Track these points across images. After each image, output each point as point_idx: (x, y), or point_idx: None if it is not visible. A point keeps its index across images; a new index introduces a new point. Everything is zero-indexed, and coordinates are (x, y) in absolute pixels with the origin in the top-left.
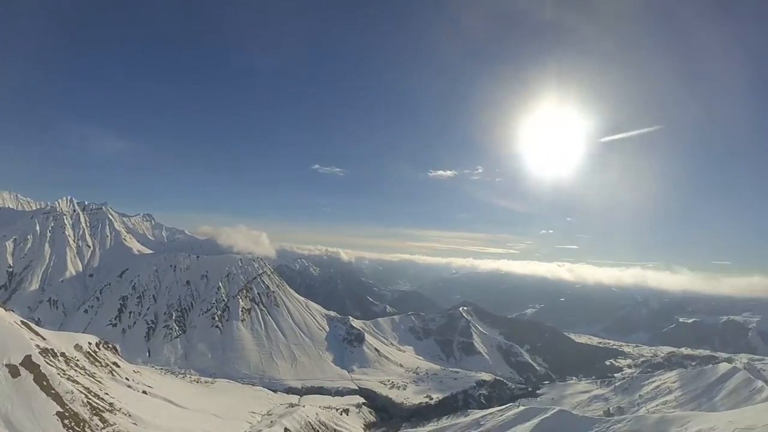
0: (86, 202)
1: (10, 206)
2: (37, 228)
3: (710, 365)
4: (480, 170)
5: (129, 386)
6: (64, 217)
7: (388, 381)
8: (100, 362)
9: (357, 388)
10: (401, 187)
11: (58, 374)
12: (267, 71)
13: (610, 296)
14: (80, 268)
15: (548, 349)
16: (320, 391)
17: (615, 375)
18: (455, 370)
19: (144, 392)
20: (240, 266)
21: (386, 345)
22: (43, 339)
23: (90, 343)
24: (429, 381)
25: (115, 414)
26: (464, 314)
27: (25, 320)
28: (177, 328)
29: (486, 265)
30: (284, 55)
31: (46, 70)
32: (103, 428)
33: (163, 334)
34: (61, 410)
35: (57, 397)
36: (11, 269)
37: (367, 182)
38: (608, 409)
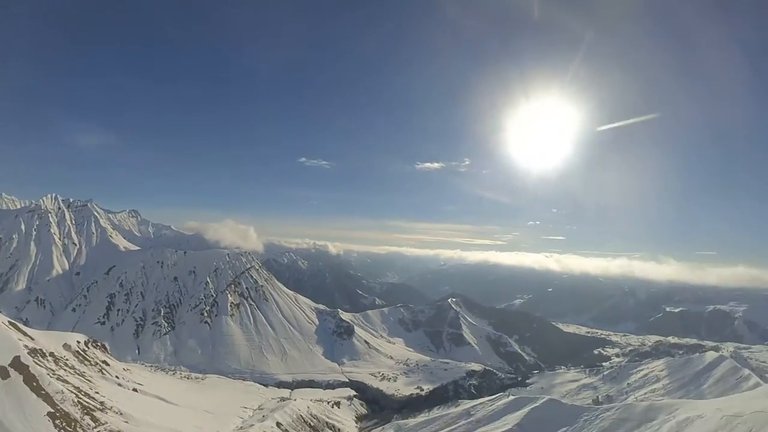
0: (71, 199)
1: None
2: (23, 227)
3: (697, 354)
4: (467, 162)
5: (119, 384)
6: (50, 215)
7: (379, 373)
8: (89, 361)
9: (348, 380)
10: (388, 180)
11: (48, 374)
12: (252, 66)
13: (597, 286)
14: (67, 267)
15: (537, 339)
16: (311, 384)
17: (603, 364)
18: (445, 361)
19: (134, 390)
20: (228, 261)
21: (376, 337)
22: (32, 339)
23: (79, 342)
24: (419, 372)
25: (106, 413)
26: (453, 305)
27: (12, 321)
28: (166, 324)
29: (474, 256)
30: (270, 50)
31: (30, 66)
32: (95, 427)
33: (152, 331)
34: (52, 410)
35: (47, 398)
36: None
37: (355, 175)
38: (597, 397)
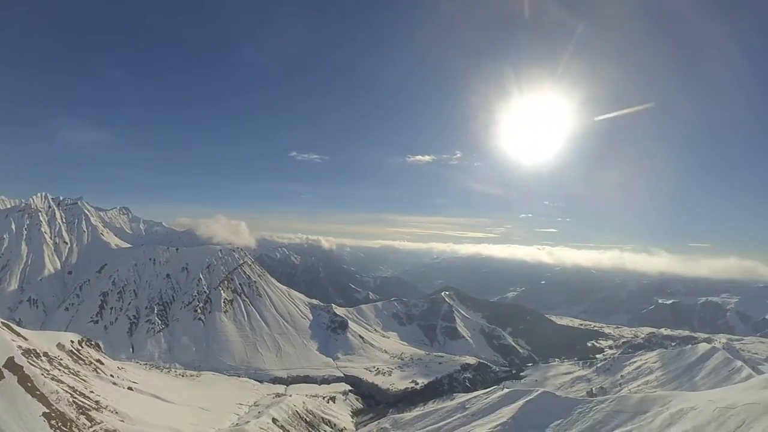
0: (61, 198)
1: None
2: (13, 226)
3: (690, 345)
4: (458, 155)
5: (114, 383)
6: (40, 213)
7: (374, 367)
8: (83, 360)
9: (342, 375)
10: (380, 173)
11: (42, 374)
12: (243, 62)
13: (589, 278)
14: (58, 266)
15: (530, 332)
16: (306, 379)
17: (597, 356)
18: (439, 354)
19: (129, 389)
20: (220, 257)
21: (370, 331)
22: (25, 339)
23: (72, 342)
24: (414, 366)
25: (102, 412)
26: (446, 299)
27: (5, 321)
28: (159, 322)
29: (466, 249)
30: (261, 46)
31: (16, 62)
32: (91, 427)
33: (145, 328)
34: (48, 411)
35: (42, 398)
36: None
37: (346, 169)
38: (591, 389)
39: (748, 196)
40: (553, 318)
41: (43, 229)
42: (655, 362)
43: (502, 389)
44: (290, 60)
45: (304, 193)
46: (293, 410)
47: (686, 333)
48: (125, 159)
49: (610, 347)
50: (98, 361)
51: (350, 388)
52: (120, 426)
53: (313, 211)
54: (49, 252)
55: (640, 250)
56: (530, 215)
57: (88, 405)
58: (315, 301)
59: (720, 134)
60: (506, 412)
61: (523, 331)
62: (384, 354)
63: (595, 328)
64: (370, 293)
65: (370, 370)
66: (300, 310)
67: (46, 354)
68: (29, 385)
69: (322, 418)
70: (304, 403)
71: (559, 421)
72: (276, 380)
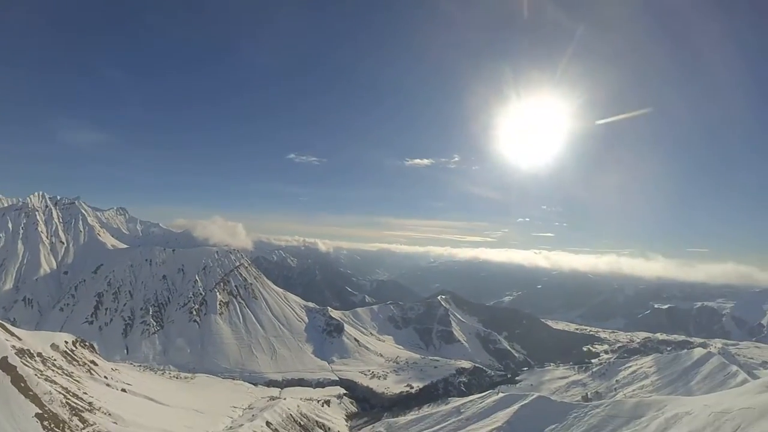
0: (58, 197)
1: None
2: (9, 225)
3: (685, 350)
4: (456, 158)
5: (108, 385)
6: (37, 213)
7: (369, 371)
8: (77, 361)
9: (337, 378)
10: (378, 176)
11: (36, 375)
12: (241, 63)
13: (586, 283)
14: (54, 266)
15: (526, 336)
16: (301, 383)
17: (592, 361)
18: (435, 358)
19: (123, 390)
20: (216, 259)
21: (366, 335)
22: (19, 339)
23: (67, 342)
24: (409, 370)
25: (95, 413)
26: (443, 303)
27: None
28: (154, 323)
29: (464, 253)
30: (259, 47)
31: (12, 60)
32: (83, 428)
33: (140, 330)
34: (40, 411)
35: (35, 399)
36: None
37: (344, 171)
38: (586, 394)
39: (746, 200)
40: (549, 322)
41: (39, 229)
42: (651, 367)
43: (498, 394)
44: (289, 61)
45: (301, 196)
46: (287, 414)
47: (682, 338)
48: (123, 159)
49: (606, 352)
50: (92, 362)
51: (345, 391)
52: (113, 428)
53: (311, 214)
54: (45, 251)
55: (637, 255)
56: (528, 219)
57: (82, 406)
58: (311, 304)
59: (718, 138)
60: (501, 417)
61: (519, 336)
62: (379, 357)
63: (591, 333)
64: (367, 296)
65: (365, 374)
66: (296, 313)
67: (40, 354)
68: (22, 385)
69: (317, 421)
70: (298, 406)
71: (554, 426)
72: (271, 383)
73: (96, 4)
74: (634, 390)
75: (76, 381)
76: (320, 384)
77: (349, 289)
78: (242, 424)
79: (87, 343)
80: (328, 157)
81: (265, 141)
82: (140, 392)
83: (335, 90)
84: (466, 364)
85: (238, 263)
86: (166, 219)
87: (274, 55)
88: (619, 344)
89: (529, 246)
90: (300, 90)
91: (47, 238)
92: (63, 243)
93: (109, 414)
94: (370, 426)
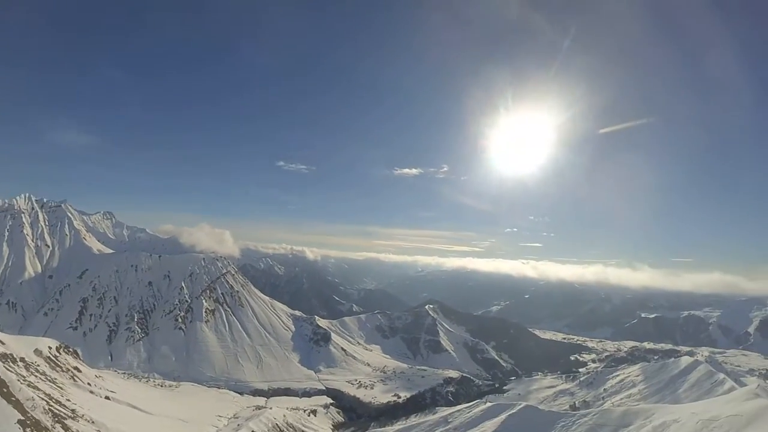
0: (45, 200)
1: None
2: None
3: (672, 359)
4: (445, 168)
5: (91, 392)
6: (23, 215)
7: (356, 380)
8: (61, 367)
9: (324, 388)
10: (367, 186)
11: (19, 380)
12: (230, 69)
13: (573, 293)
14: (39, 269)
15: (514, 346)
16: (287, 392)
17: (580, 370)
18: (422, 368)
19: (107, 398)
20: (203, 266)
21: (353, 344)
22: (2, 344)
23: (50, 348)
24: (396, 380)
25: (78, 421)
26: (430, 312)
27: None
28: (139, 330)
29: (451, 263)
30: (248, 53)
31: (9, 60)
32: None
33: (125, 336)
34: (23, 418)
35: (18, 405)
36: None
37: (333, 180)
38: (574, 403)
39: (731, 211)
40: (537, 332)
41: (25, 231)
42: (638, 376)
43: (485, 403)
44: (278, 69)
45: (290, 203)
46: (273, 423)
47: (669, 346)
48: (110, 163)
49: (594, 361)
50: (76, 368)
51: (331, 401)
52: None
53: (299, 222)
54: (30, 255)
55: (623, 265)
56: (515, 229)
57: (65, 413)
58: (298, 313)
59: (703, 150)
60: (489, 426)
61: (507, 345)
62: (366, 367)
63: (579, 342)
64: (354, 305)
65: (352, 383)
66: (282, 322)
67: (23, 359)
68: (5, 390)
69: (303, 431)
70: (284, 416)
71: None
72: (256, 392)
73: (95, 4)
74: (621, 399)
75: (60, 387)
76: (307, 393)
77: (337, 298)
78: None
79: (71, 349)
80: (318, 166)
81: (254, 149)
82: (124, 400)
83: (325, 98)
84: (453, 374)
85: (224, 270)
86: (152, 225)
87: (264, 64)
88: (607, 353)
89: (517, 256)
90: (289, 98)
91: (32, 241)
92: (48, 246)
93: (93, 422)
94: None
